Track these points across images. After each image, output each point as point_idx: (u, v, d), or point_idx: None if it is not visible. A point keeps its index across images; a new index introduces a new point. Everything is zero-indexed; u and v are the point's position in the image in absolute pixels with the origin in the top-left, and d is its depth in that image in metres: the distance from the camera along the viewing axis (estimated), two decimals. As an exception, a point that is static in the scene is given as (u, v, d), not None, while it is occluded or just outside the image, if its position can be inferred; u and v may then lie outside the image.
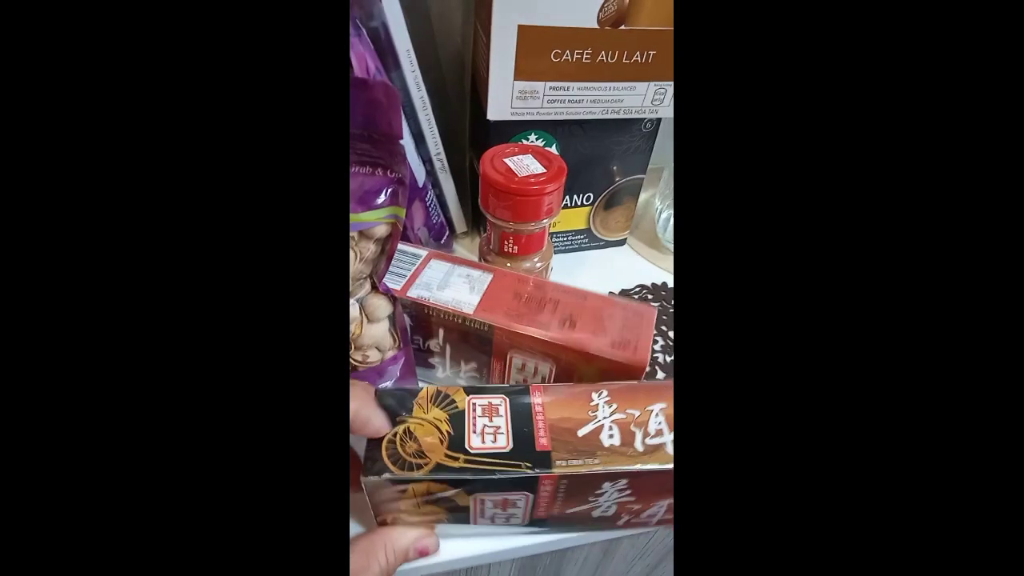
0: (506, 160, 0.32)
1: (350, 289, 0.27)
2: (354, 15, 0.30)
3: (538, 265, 0.35)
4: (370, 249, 0.27)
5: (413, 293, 0.30)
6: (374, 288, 0.29)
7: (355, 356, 0.29)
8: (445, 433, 0.24)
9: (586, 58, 0.33)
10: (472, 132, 0.41)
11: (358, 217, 0.25)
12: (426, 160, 0.40)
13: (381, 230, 0.26)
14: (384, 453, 0.23)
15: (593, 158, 0.40)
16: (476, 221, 0.46)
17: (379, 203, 0.25)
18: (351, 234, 0.25)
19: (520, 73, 0.33)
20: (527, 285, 0.31)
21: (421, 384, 0.34)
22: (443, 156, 0.40)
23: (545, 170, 0.31)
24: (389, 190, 0.25)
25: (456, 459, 0.23)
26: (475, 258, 0.36)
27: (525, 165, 0.31)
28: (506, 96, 0.34)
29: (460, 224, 0.46)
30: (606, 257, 0.47)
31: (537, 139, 0.37)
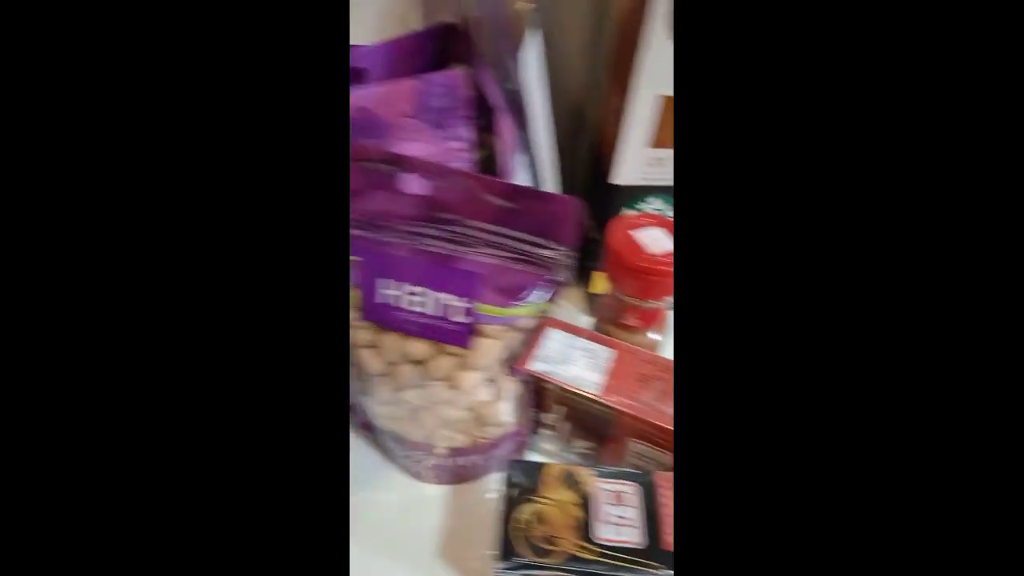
0: (633, 233, 0.30)
1: (491, 372, 0.27)
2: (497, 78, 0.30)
3: (655, 338, 0.33)
4: (517, 339, 0.26)
5: (535, 367, 0.29)
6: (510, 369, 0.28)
7: (478, 432, 0.28)
8: (575, 519, 0.23)
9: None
10: (588, 187, 0.40)
11: (509, 311, 0.24)
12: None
13: (529, 322, 0.26)
14: (515, 534, 0.22)
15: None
16: (581, 275, 0.45)
17: (533, 299, 0.25)
18: (497, 327, 0.25)
19: (656, 141, 0.32)
20: (652, 367, 0.29)
21: (535, 455, 0.33)
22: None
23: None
24: (547, 289, 0.25)
25: (589, 550, 0.22)
26: (577, 308, 0.35)
27: (654, 239, 0.30)
28: (637, 162, 0.33)
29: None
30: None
31: (659, 201, 0.36)
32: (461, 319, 0.23)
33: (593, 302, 0.41)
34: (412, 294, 0.22)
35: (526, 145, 0.34)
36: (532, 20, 0.29)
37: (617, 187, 0.34)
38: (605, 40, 0.33)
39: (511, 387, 0.28)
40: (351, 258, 0.22)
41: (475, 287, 0.23)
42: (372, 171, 0.20)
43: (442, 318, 0.23)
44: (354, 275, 0.23)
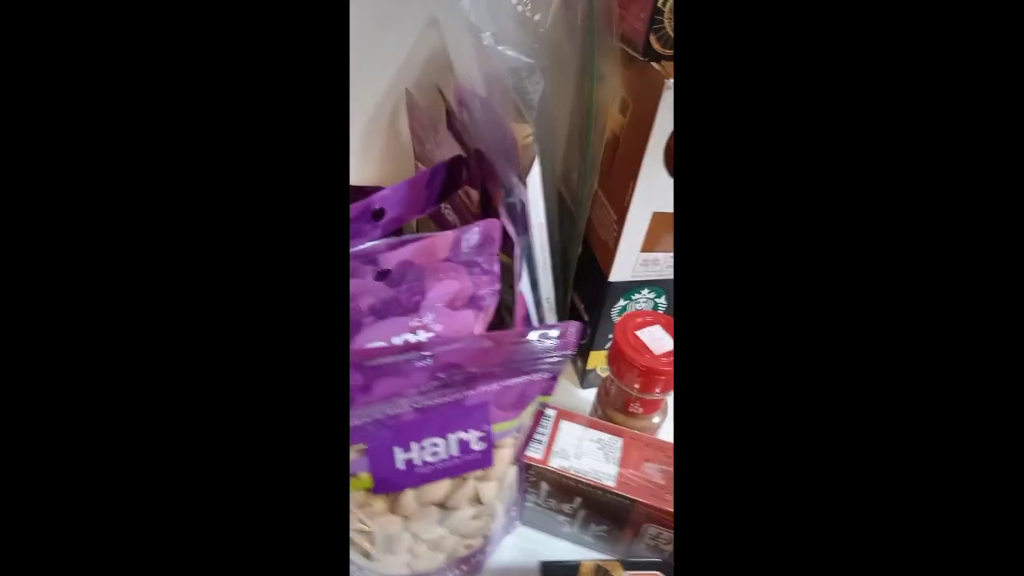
0: (638, 333, 0.34)
1: (506, 476, 0.29)
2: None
3: (655, 421, 0.37)
4: (521, 436, 0.29)
5: (555, 464, 0.32)
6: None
7: (486, 528, 0.30)
8: None
9: (708, 235, 0.35)
10: (582, 278, 0.44)
11: (518, 420, 0.27)
12: (537, 303, 0.42)
13: (529, 416, 0.28)
14: None
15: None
16: (576, 353, 0.48)
17: (537, 399, 0.27)
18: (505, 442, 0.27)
19: (646, 247, 0.36)
20: (659, 453, 0.33)
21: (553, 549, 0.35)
22: (552, 299, 0.43)
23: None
24: (549, 388, 0.28)
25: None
26: (572, 383, 0.38)
27: (658, 339, 0.34)
28: (630, 264, 0.37)
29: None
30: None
31: (649, 292, 0.40)
32: (481, 446, 0.25)
33: (586, 378, 0.45)
34: (427, 447, 0.23)
35: (528, 252, 0.37)
36: (535, 149, 0.32)
37: (612, 283, 0.38)
38: (596, 158, 0.36)
39: (511, 473, 0.30)
40: (356, 448, 0.22)
41: (486, 415, 0.25)
42: (384, 365, 0.20)
43: (462, 454, 0.24)
44: (360, 463, 0.23)
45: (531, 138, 0.32)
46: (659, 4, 0.28)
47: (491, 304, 0.28)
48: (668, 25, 0.29)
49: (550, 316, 0.45)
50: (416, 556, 0.28)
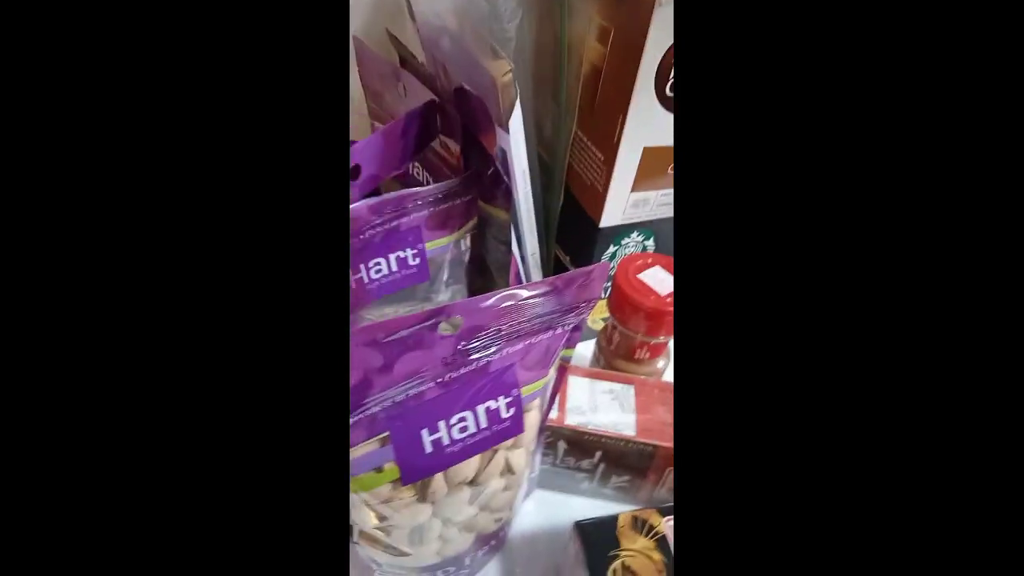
0: (640, 276, 0.32)
1: (534, 441, 0.27)
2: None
3: (660, 366, 0.36)
4: (547, 398, 0.27)
5: (571, 421, 0.30)
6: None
7: (507, 512, 0.28)
8: (659, 562, 0.24)
9: (698, 167, 0.34)
10: (565, 229, 0.42)
11: (543, 380, 0.25)
12: (522, 258, 0.40)
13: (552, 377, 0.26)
14: None
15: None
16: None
17: (561, 355, 0.26)
18: (533, 404, 0.25)
19: (637, 186, 0.34)
20: (669, 395, 0.32)
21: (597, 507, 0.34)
22: (537, 255, 0.41)
23: (681, 284, 0.32)
24: (572, 342, 0.26)
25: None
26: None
27: (660, 280, 0.32)
28: (620, 207, 0.35)
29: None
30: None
31: (638, 235, 0.38)
32: (511, 412, 0.23)
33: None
34: (459, 422, 0.22)
35: (512, 205, 0.34)
36: (515, 89, 0.29)
37: (602, 229, 0.36)
38: (571, 99, 0.34)
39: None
40: (378, 438, 0.20)
41: (514, 379, 0.23)
42: (404, 339, 0.18)
43: (491, 424, 0.23)
44: (385, 454, 0.21)
45: (510, 75, 0.29)
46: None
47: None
48: (653, -64, 0.26)
49: (535, 273, 0.43)
50: (447, 541, 0.26)
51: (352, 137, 0.31)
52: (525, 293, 0.20)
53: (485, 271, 0.39)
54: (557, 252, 0.44)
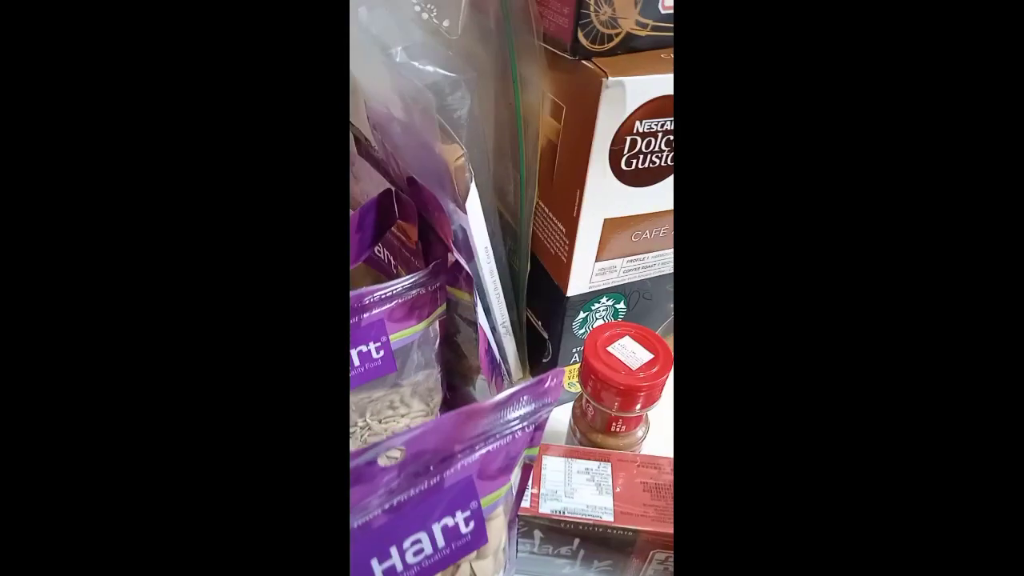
0: (610, 349, 0.32)
1: (501, 546, 0.26)
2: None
3: (639, 435, 0.35)
4: (512, 499, 0.26)
5: (546, 509, 0.29)
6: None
7: None
8: None
9: (663, 233, 0.34)
10: (535, 294, 0.41)
11: (507, 486, 0.24)
12: (492, 328, 0.39)
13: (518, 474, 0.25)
14: None
15: (656, 303, 0.40)
16: (530, 367, 0.45)
17: (520, 457, 0.24)
18: (497, 512, 0.24)
19: (601, 256, 0.33)
20: (651, 470, 0.31)
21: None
22: (508, 322, 0.40)
23: (652, 355, 0.31)
24: (536, 441, 0.25)
25: None
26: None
27: (631, 352, 0.31)
28: (586, 276, 0.34)
29: (517, 373, 0.45)
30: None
31: (608, 300, 0.37)
32: (471, 527, 0.22)
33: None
34: (411, 546, 0.20)
35: (477, 280, 0.34)
36: (469, 172, 0.29)
37: (570, 298, 0.35)
38: (531, 171, 0.34)
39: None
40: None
41: (472, 491, 0.22)
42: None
43: (449, 542, 0.21)
44: None
45: (463, 159, 0.28)
46: (582, -4, 0.26)
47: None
48: (596, 18, 0.26)
49: (507, 340, 0.42)
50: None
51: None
52: (476, 410, 0.19)
53: (456, 348, 0.38)
54: (529, 316, 0.43)
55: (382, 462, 0.17)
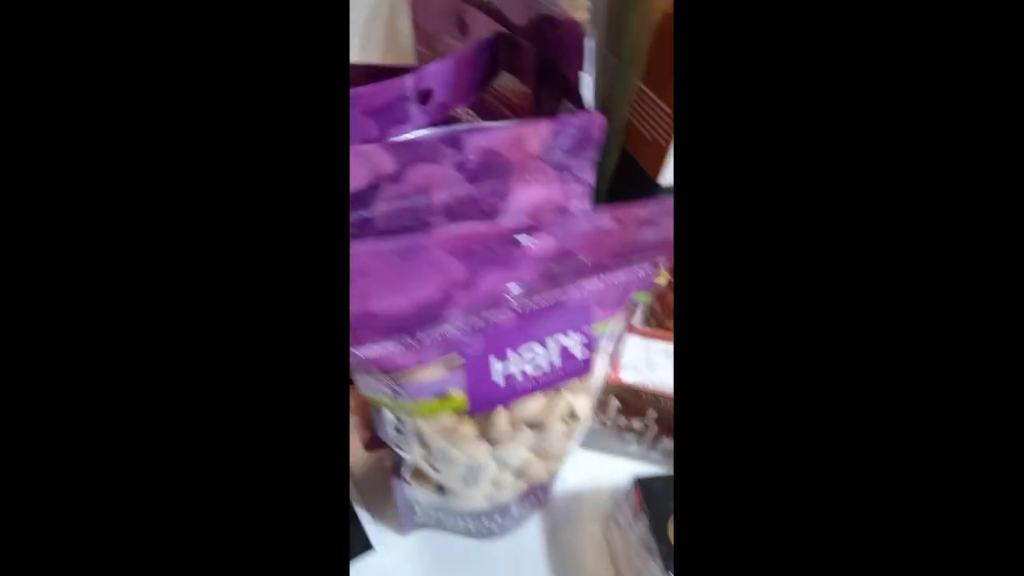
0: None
1: (598, 388, 0.26)
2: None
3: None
4: (609, 345, 0.26)
5: (627, 377, 0.29)
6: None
7: (560, 462, 0.27)
8: None
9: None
10: (618, 188, 0.40)
11: (613, 321, 0.24)
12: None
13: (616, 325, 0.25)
14: None
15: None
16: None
17: (632, 296, 0.24)
18: (602, 346, 0.24)
19: (704, 140, 0.32)
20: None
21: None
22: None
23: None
24: (646, 287, 0.24)
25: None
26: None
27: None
28: (683, 162, 0.33)
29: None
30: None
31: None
32: (581, 351, 0.22)
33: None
34: (529, 353, 0.21)
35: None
36: (590, 29, 0.28)
37: (662, 187, 0.35)
38: (637, 50, 0.32)
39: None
40: (450, 359, 0.19)
41: (588, 314, 0.22)
42: (487, 252, 0.17)
43: (562, 361, 0.22)
44: (452, 379, 0.20)
45: (585, 11, 0.27)
46: None
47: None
48: None
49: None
50: (499, 486, 0.25)
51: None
52: (625, 217, 0.19)
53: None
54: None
55: (524, 240, 0.17)
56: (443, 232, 0.16)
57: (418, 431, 0.21)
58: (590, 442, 0.33)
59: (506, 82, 0.29)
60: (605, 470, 0.33)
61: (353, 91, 0.19)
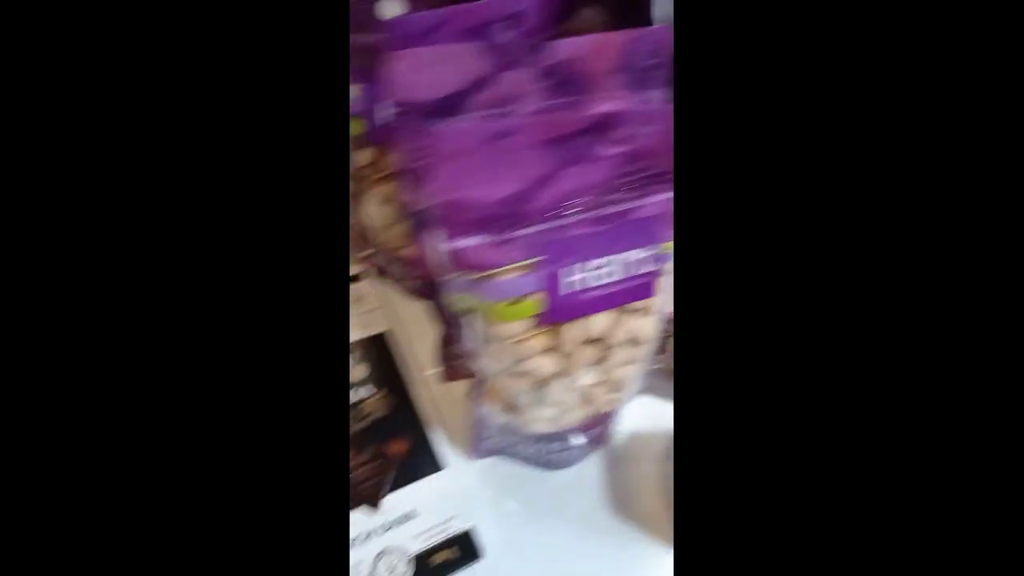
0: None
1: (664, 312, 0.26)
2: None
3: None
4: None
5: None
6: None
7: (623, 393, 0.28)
8: None
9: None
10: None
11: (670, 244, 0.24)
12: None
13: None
14: None
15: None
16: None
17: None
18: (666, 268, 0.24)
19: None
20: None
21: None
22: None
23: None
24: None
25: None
26: None
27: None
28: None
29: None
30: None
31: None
32: (649, 268, 0.23)
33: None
34: (597, 268, 0.21)
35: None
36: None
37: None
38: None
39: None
40: (529, 261, 0.20)
41: (659, 230, 0.22)
42: (571, 148, 0.18)
43: (629, 278, 0.22)
44: (528, 282, 0.21)
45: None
46: None
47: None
48: None
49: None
50: (563, 409, 0.26)
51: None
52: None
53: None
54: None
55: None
56: (532, 122, 0.16)
57: (495, 338, 0.22)
58: (649, 387, 0.33)
59: (589, 14, 0.29)
60: (664, 414, 0.33)
61: (450, 9, 0.20)
